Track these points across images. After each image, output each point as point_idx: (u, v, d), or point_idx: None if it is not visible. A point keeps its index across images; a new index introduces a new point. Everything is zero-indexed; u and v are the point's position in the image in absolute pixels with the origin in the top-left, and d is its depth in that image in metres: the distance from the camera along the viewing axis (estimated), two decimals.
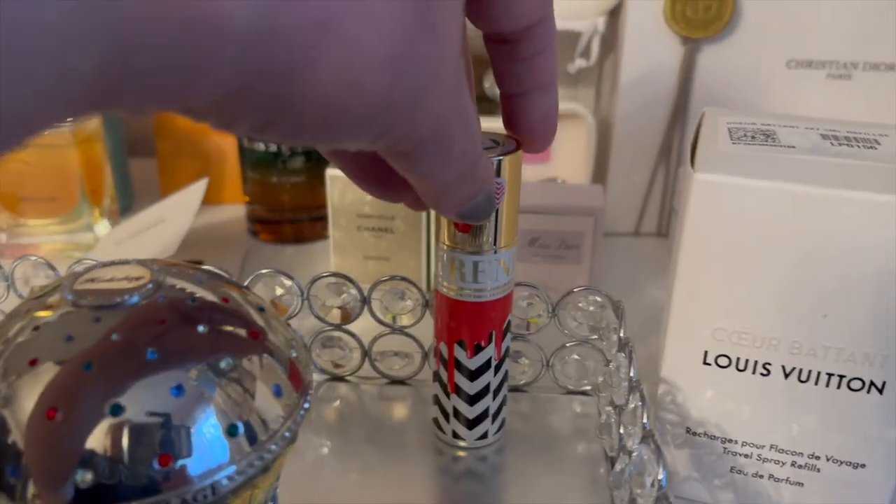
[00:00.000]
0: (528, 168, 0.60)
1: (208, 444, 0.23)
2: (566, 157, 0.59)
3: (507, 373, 0.35)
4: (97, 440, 0.22)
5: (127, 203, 0.62)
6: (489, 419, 0.35)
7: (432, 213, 0.43)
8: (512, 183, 0.30)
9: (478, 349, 0.34)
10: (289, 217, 0.58)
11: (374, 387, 0.40)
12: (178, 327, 0.24)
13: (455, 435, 0.36)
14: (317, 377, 0.41)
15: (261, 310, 0.28)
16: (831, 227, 0.28)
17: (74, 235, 0.56)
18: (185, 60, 0.16)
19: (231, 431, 0.24)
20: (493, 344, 0.34)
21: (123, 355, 0.23)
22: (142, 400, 0.23)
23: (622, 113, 0.55)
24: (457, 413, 0.35)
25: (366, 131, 0.20)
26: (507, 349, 0.35)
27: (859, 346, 0.29)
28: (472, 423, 0.35)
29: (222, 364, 0.24)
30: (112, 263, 0.27)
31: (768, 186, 0.28)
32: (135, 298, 0.25)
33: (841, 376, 0.30)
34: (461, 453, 0.36)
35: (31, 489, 0.22)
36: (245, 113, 0.18)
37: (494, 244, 0.31)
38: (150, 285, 0.25)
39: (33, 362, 0.23)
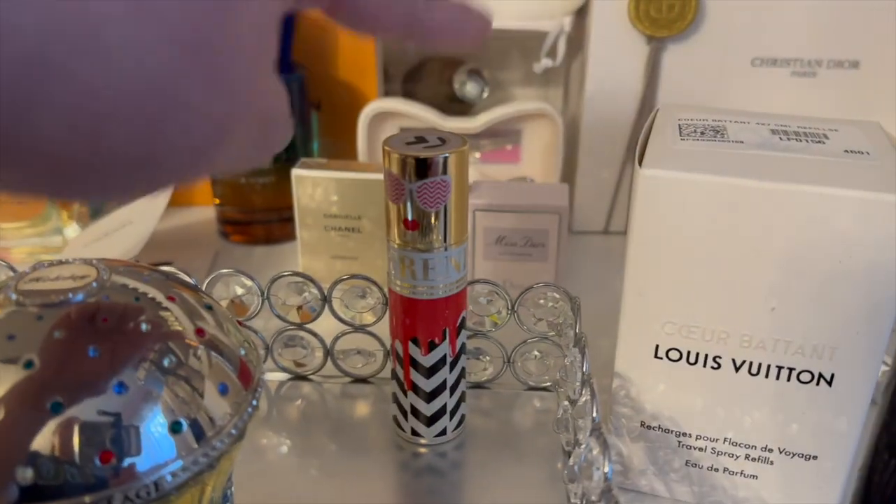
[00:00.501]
0: (498, 168, 0.60)
1: (152, 441, 0.24)
2: (535, 157, 0.59)
3: (463, 369, 0.35)
4: (38, 438, 0.22)
5: (97, 205, 0.62)
6: (447, 416, 0.36)
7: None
8: (458, 180, 0.31)
9: (432, 346, 0.34)
10: (259, 218, 0.58)
11: (337, 385, 0.41)
12: (121, 325, 0.24)
13: (414, 432, 0.36)
14: (279, 377, 0.41)
15: (209, 308, 0.28)
16: (777, 221, 0.28)
17: (44, 239, 0.56)
18: None
19: (175, 428, 0.24)
20: (447, 341, 0.34)
21: (65, 353, 0.23)
22: (83, 397, 0.23)
23: (590, 112, 0.56)
24: (415, 411, 0.35)
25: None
26: (464, 346, 0.35)
27: (808, 338, 0.29)
28: (430, 420, 0.35)
29: (165, 362, 0.24)
30: (58, 263, 0.27)
31: (713, 181, 0.28)
32: (79, 297, 0.25)
33: (790, 369, 0.30)
34: (422, 450, 0.36)
35: None
36: None
37: (444, 241, 0.31)
38: (95, 284, 0.25)
39: None
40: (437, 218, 0.31)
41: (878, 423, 0.25)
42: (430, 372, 0.34)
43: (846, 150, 0.30)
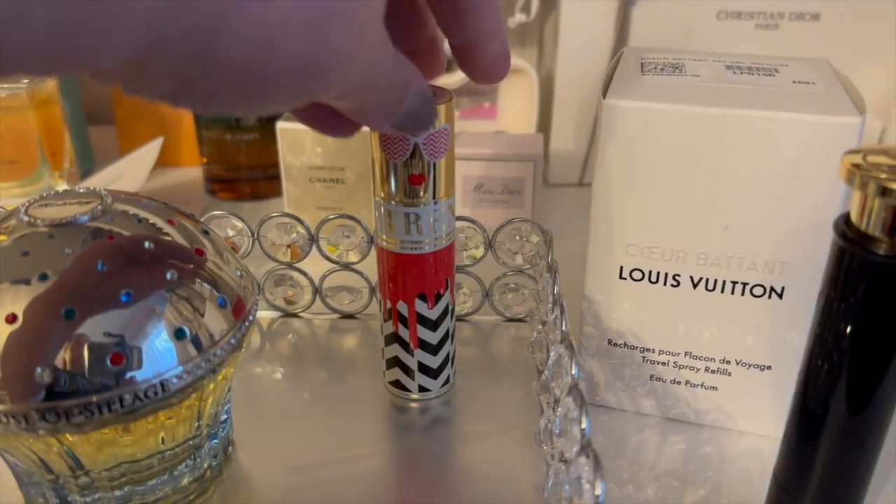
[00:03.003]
0: (476, 123, 0.62)
1: (157, 347, 0.26)
2: (512, 113, 0.62)
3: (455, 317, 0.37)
4: (54, 342, 0.24)
5: (87, 168, 0.64)
6: (449, 364, 0.37)
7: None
8: (451, 129, 0.32)
9: (438, 298, 0.35)
10: (245, 175, 0.60)
11: (326, 321, 0.43)
12: (126, 242, 0.27)
13: (422, 388, 0.37)
14: (270, 314, 0.43)
15: (206, 233, 0.30)
16: (729, 145, 0.30)
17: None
18: (91, 19, 0.15)
19: (178, 335, 0.26)
20: (449, 289, 0.35)
21: (76, 266, 0.25)
22: (94, 305, 0.25)
23: (563, 68, 0.58)
24: (423, 367, 0.36)
25: (289, 96, 0.19)
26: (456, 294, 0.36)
27: (759, 255, 0.32)
28: (436, 373, 0.37)
29: (168, 275, 0.27)
30: (64, 192, 0.29)
31: (671, 109, 0.30)
32: (85, 218, 0.27)
33: (744, 284, 0.33)
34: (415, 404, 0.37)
35: None
36: (155, 77, 0.17)
37: (444, 191, 0.32)
38: (100, 207, 0.27)
39: None
40: (434, 169, 0.32)
41: (811, 332, 0.28)
42: (437, 324, 0.35)
43: (794, 81, 0.32)
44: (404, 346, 0.36)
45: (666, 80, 0.33)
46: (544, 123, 0.62)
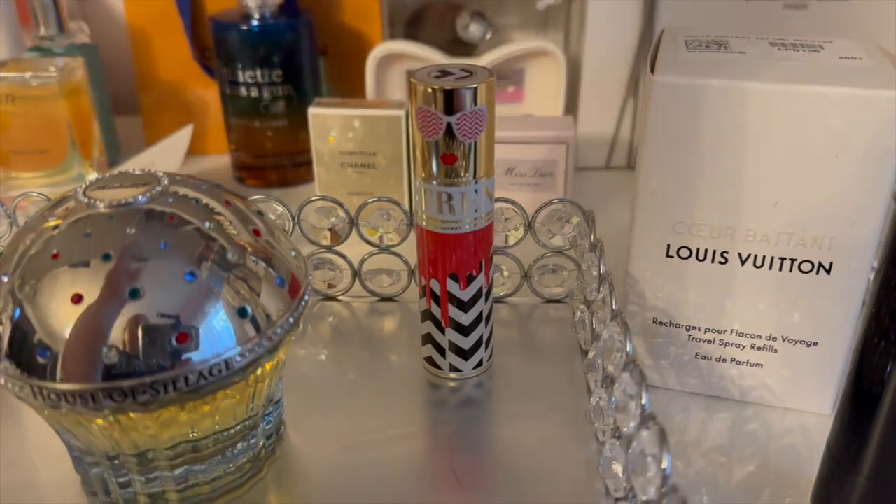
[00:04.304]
0: (502, 107, 0.62)
1: (221, 325, 0.26)
2: (538, 96, 0.61)
3: (493, 300, 0.37)
4: (119, 321, 0.25)
5: (113, 157, 0.64)
6: (483, 346, 0.37)
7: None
8: (490, 110, 0.32)
9: (470, 279, 0.35)
10: (272, 163, 0.60)
11: (365, 304, 0.43)
12: (187, 223, 0.27)
13: (453, 368, 0.37)
14: (311, 298, 0.43)
15: (260, 214, 0.30)
16: (777, 120, 0.30)
17: (66, 187, 0.57)
18: None
19: (241, 314, 0.26)
20: (483, 272, 0.35)
21: (139, 246, 0.26)
22: (158, 285, 0.25)
23: (591, 51, 0.58)
24: (454, 346, 0.36)
25: None
26: (493, 276, 0.36)
27: (807, 230, 0.32)
28: (468, 354, 0.37)
29: (229, 255, 0.27)
30: (119, 175, 0.29)
31: (721, 85, 0.30)
32: (144, 199, 0.27)
33: (792, 260, 0.33)
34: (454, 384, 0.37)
35: (59, 370, 0.25)
36: None
37: (480, 173, 0.32)
38: (158, 188, 0.27)
39: (55, 256, 0.25)
40: (473, 149, 0.32)
41: (868, 310, 0.28)
42: (469, 305, 0.35)
43: (841, 57, 0.32)
44: (437, 324, 0.36)
45: (712, 56, 0.33)
46: (571, 107, 0.62)
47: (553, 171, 0.50)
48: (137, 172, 0.29)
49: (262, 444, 0.31)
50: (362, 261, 0.42)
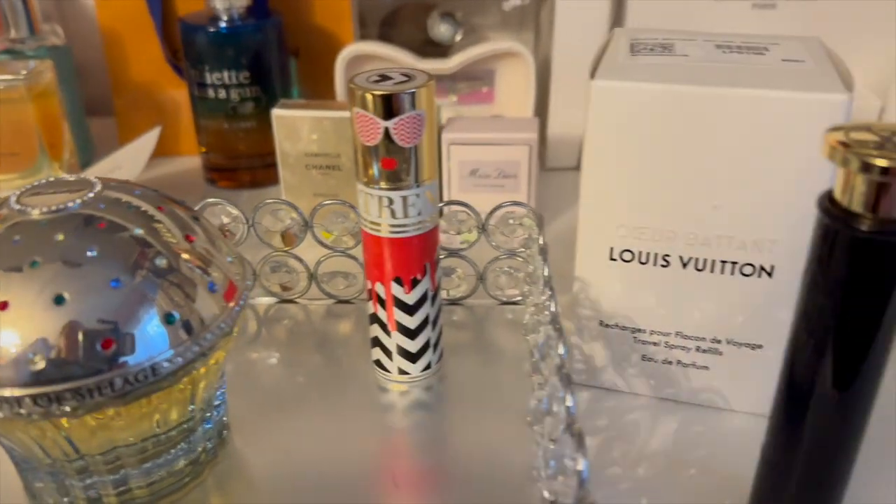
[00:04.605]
0: (474, 109, 0.62)
1: (149, 331, 0.26)
2: (509, 97, 0.61)
3: (441, 303, 0.37)
4: (45, 328, 0.25)
5: (88, 159, 0.64)
6: (431, 349, 0.37)
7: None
8: (429, 114, 0.32)
9: (415, 283, 0.35)
10: (243, 164, 0.60)
11: (321, 307, 0.43)
12: (117, 229, 0.27)
13: (401, 371, 0.37)
14: (267, 300, 0.44)
15: (196, 220, 0.30)
16: (715, 123, 0.30)
17: None
18: None
19: (168, 320, 0.27)
20: (428, 275, 0.35)
21: (66, 252, 0.26)
22: (84, 291, 0.25)
23: (559, 51, 0.58)
24: (401, 350, 0.36)
25: None
26: (440, 279, 0.37)
27: (748, 233, 0.32)
28: (415, 357, 0.37)
29: (158, 261, 0.27)
30: (55, 181, 0.29)
31: (656, 89, 0.31)
32: (76, 205, 0.27)
33: (734, 263, 0.33)
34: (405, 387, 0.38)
35: None
36: None
37: (422, 177, 0.33)
38: (91, 195, 0.28)
39: None
40: (414, 154, 0.32)
41: (797, 309, 0.28)
42: (415, 309, 0.35)
43: (783, 59, 0.32)
44: (383, 327, 0.36)
45: (654, 60, 0.33)
46: (542, 107, 0.62)
47: (517, 172, 0.51)
48: (73, 179, 0.29)
49: (202, 447, 0.32)
50: (318, 263, 0.42)
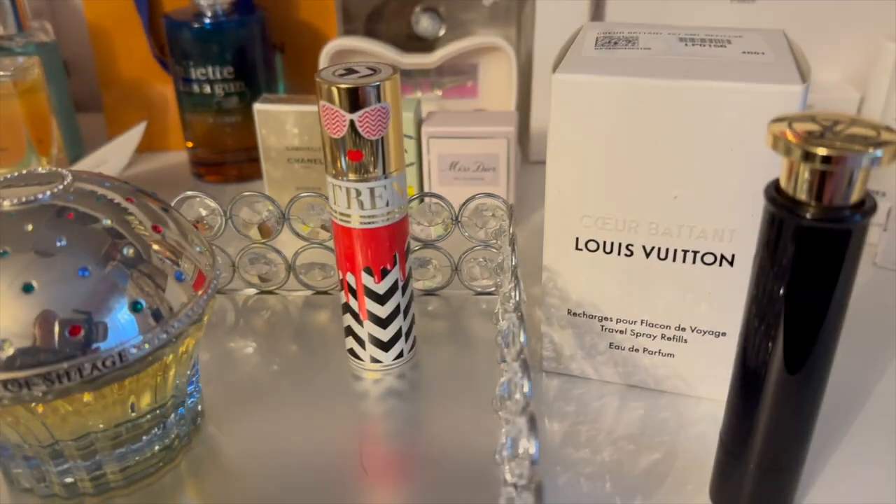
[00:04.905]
0: (458, 103, 0.63)
1: (115, 319, 0.27)
2: (492, 91, 0.62)
3: (412, 293, 0.38)
4: (14, 315, 0.26)
5: (77, 154, 0.65)
6: (403, 338, 0.38)
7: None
8: (394, 107, 0.33)
9: (384, 273, 0.36)
10: (230, 159, 0.61)
11: (300, 298, 0.44)
12: (85, 219, 0.28)
13: (374, 359, 0.38)
14: (247, 291, 0.44)
15: (166, 211, 0.31)
16: (673, 115, 0.31)
17: None
18: None
19: (135, 307, 0.27)
20: (397, 266, 0.36)
21: (35, 243, 0.26)
22: (52, 279, 0.26)
23: (540, 45, 0.58)
24: (373, 339, 0.37)
25: None
26: (410, 269, 0.37)
27: (708, 223, 0.33)
28: (387, 346, 0.37)
29: (125, 251, 0.28)
30: (27, 174, 0.30)
31: (614, 81, 0.31)
32: (46, 196, 0.28)
33: (695, 252, 0.33)
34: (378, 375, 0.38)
35: None
36: None
37: (389, 168, 0.33)
38: (61, 187, 0.28)
39: None
40: (380, 146, 0.33)
41: (748, 295, 0.28)
42: (385, 298, 0.36)
43: (744, 52, 0.33)
44: (355, 316, 0.37)
45: (616, 53, 0.33)
46: (526, 102, 0.62)
47: (496, 165, 0.51)
48: (43, 171, 0.30)
49: (175, 433, 0.32)
50: (296, 255, 0.43)
